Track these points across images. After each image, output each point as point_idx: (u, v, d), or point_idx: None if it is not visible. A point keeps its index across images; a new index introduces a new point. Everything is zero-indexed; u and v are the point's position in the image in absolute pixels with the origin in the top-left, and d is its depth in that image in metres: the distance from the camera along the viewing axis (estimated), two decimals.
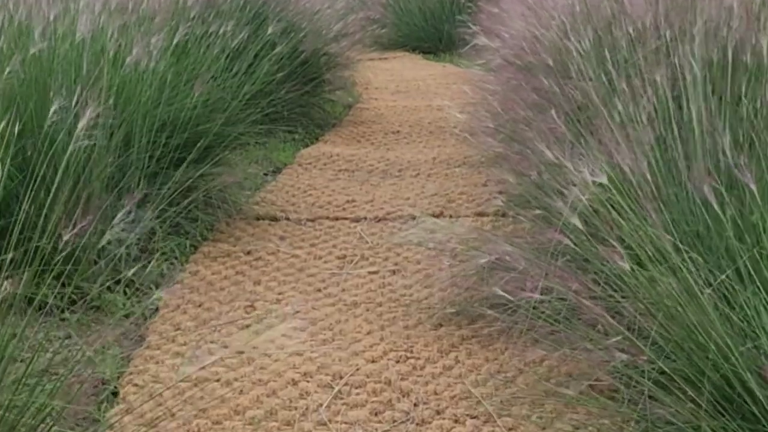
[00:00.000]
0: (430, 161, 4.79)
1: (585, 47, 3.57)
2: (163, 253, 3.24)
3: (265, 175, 4.64)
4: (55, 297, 2.32)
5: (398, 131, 5.63)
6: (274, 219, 3.75)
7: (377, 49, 11.08)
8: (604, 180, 2.00)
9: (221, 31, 3.64)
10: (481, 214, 3.79)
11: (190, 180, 3.35)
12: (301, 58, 5.34)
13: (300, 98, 5.44)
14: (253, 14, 4.97)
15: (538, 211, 2.90)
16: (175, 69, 3.39)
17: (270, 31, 3.99)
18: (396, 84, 7.64)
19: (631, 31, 3.30)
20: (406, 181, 4.43)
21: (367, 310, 2.84)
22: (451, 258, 2.90)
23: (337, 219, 3.76)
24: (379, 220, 3.75)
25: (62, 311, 2.62)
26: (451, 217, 3.77)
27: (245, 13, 4.73)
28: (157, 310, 2.86)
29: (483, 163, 4.66)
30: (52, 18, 3.16)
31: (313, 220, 3.75)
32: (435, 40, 10.48)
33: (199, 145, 3.45)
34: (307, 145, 5.23)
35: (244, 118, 3.97)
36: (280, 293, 2.99)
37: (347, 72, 6.14)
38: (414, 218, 3.76)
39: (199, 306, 2.87)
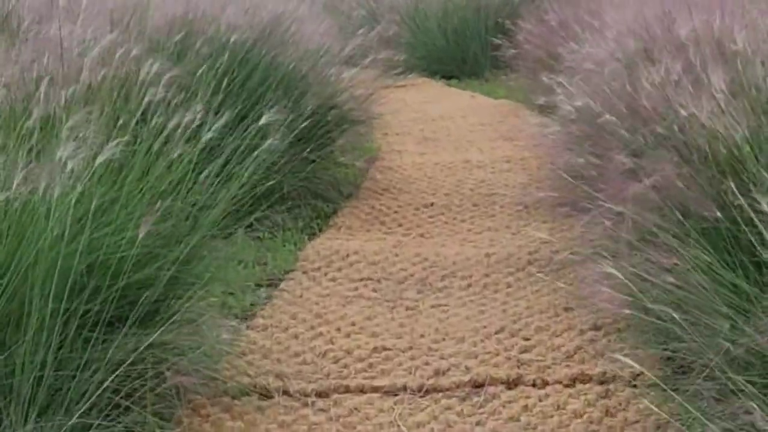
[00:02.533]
0: (483, 259, 3.50)
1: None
2: None
3: (258, 288, 3.37)
4: None
5: (432, 203, 4.35)
6: (266, 395, 2.47)
7: (390, 74, 9.83)
8: None
9: (187, 121, 2.36)
10: (582, 380, 2.49)
11: (132, 354, 2.10)
12: (305, 117, 4.07)
13: (304, 166, 4.18)
14: (236, 77, 3.71)
15: None
16: (106, 193, 2.11)
17: (264, 120, 2.70)
18: (420, 126, 6.36)
19: None
20: (454, 300, 3.15)
21: None
22: None
23: (362, 391, 2.48)
24: (426, 392, 2.46)
25: None
26: (534, 385, 2.47)
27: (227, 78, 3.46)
28: None
29: (559, 264, 3.38)
30: None
31: (325, 395, 2.47)
32: (458, 62, 9.19)
33: (143, 299, 2.19)
34: (314, 234, 3.95)
35: (222, 230, 2.70)
36: None
37: (363, 127, 4.86)
38: (477, 387, 2.47)
39: None
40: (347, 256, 3.57)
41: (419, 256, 3.56)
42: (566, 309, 2.97)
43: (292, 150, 4.04)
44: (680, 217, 2.29)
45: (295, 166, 4.07)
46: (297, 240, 3.84)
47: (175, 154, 2.27)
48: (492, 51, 9.02)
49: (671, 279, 2.07)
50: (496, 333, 2.81)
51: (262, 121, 2.64)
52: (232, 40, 3.79)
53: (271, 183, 3.54)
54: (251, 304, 3.20)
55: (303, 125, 4.08)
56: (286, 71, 3.99)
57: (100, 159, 1.89)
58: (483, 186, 4.58)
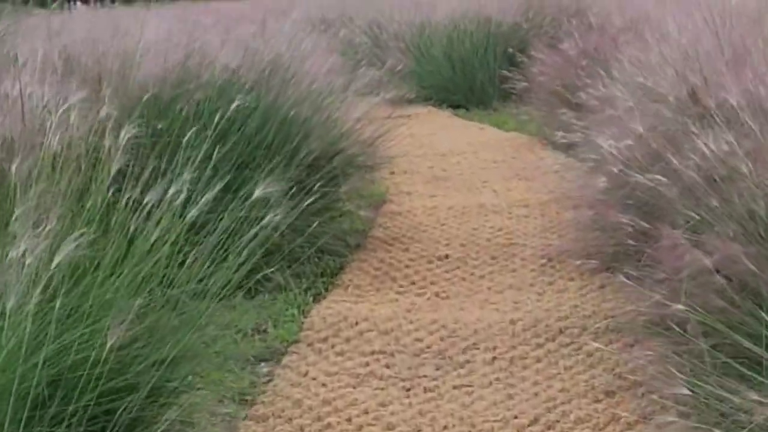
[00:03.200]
0: (508, 327, 3.15)
1: None
2: None
3: (258, 363, 3.02)
4: None
5: (447, 256, 4.00)
6: None
7: (395, 103, 9.49)
8: None
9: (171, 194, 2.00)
10: None
11: None
12: (306, 164, 3.74)
13: (306, 218, 3.83)
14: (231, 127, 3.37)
15: None
16: (71, 291, 1.76)
17: (258, 193, 2.34)
18: (429, 162, 6.03)
19: None
20: (478, 379, 2.79)
21: None
22: None
23: None
24: None
25: None
26: None
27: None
28: None
29: (593, 334, 3.03)
30: None
31: None
32: (465, 91, 8.87)
33: (121, 410, 1.84)
34: (320, 294, 3.60)
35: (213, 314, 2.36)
36: None
37: (371, 173, 4.51)
38: None
39: None
40: (356, 323, 3.22)
41: (436, 323, 3.21)
42: (608, 393, 2.62)
43: (294, 201, 3.70)
44: (754, 305, 1.95)
45: (296, 219, 3.73)
46: (301, 302, 3.49)
47: (154, 236, 1.92)
48: (500, 81, 8.73)
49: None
50: (530, 425, 2.46)
51: (257, 193, 2.29)
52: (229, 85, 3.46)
53: (270, 243, 3.22)
54: (251, 384, 2.85)
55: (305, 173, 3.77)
56: (286, 115, 3.66)
57: (59, 257, 1.54)
58: (500, 235, 4.23)
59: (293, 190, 3.71)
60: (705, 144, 2.29)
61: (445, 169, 5.77)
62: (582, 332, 3.06)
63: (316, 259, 3.86)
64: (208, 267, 2.06)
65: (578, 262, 3.71)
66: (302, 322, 3.28)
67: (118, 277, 1.86)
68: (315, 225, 3.85)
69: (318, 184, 3.82)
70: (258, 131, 3.60)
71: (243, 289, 3.13)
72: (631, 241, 3.03)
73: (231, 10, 16.36)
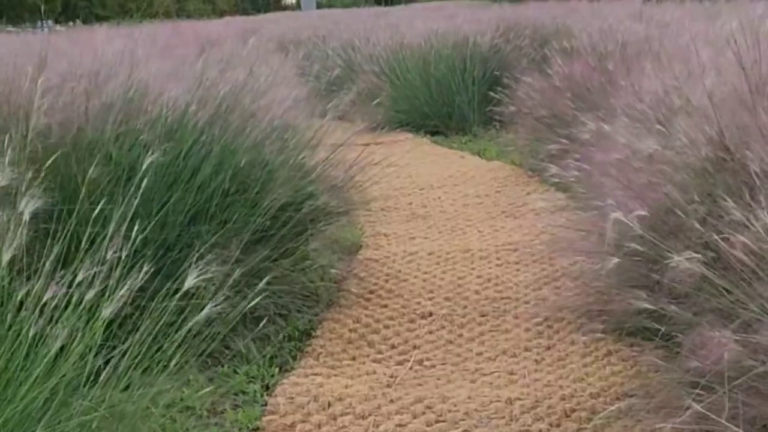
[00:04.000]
0: (505, 408, 2.70)
1: None
2: None
3: None
4: None
5: (431, 313, 3.55)
6: None
7: (370, 129, 9.05)
8: None
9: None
10: None
11: None
12: (269, 215, 3.28)
13: (271, 272, 3.38)
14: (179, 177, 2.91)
15: None
16: None
17: (190, 283, 1.88)
18: (408, 197, 5.60)
19: None
20: None
21: None
22: None
23: None
24: None
25: None
26: None
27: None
28: None
29: (604, 419, 2.59)
30: None
31: None
32: (444, 116, 8.47)
33: None
34: (286, 363, 3.13)
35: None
36: None
37: (346, 216, 4.06)
38: None
39: None
40: (328, 405, 2.75)
41: (421, 403, 2.75)
42: None
43: (255, 255, 3.25)
44: None
45: (258, 274, 3.27)
46: (265, 374, 3.02)
47: (56, 347, 1.46)
48: (480, 105, 8.34)
49: None
50: None
51: (187, 284, 1.83)
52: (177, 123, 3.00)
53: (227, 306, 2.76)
54: None
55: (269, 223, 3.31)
56: (247, 159, 3.20)
57: None
58: (490, 286, 3.79)
59: (256, 244, 3.27)
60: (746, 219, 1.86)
61: (425, 205, 5.34)
62: (591, 415, 2.62)
63: (283, 320, 3.40)
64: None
65: (579, 322, 3.29)
66: (265, 402, 2.82)
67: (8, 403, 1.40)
68: (281, 280, 3.42)
69: (284, 234, 3.38)
70: (212, 179, 3.14)
71: (198, 357, 2.70)
72: (646, 305, 2.61)
73: (203, 30, 15.92)
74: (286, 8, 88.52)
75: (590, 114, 4.89)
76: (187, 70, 3.67)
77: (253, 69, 3.98)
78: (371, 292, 3.80)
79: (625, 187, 2.79)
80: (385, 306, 3.64)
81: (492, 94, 8.40)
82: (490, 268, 4.02)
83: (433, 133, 8.39)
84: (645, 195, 2.59)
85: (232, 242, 3.19)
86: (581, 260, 3.51)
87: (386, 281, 3.92)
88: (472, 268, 4.04)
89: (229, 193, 3.19)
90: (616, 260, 2.55)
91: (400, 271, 4.05)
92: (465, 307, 3.59)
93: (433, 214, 5.10)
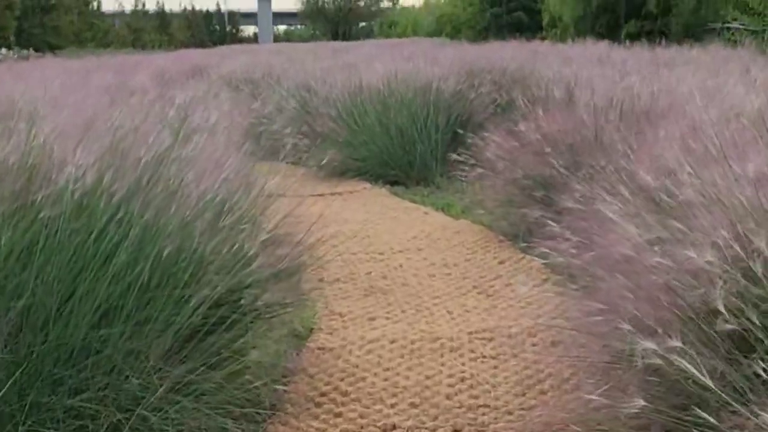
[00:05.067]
0: None
1: None
2: None
3: None
4: None
5: (394, 426, 2.94)
6: None
7: (326, 176, 8.47)
8: None
9: None
10: None
11: None
12: (198, 315, 2.65)
13: (200, 374, 2.74)
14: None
15: None
16: None
17: None
18: (367, 265, 5.00)
19: None
20: None
21: None
22: None
23: None
24: None
25: None
26: None
27: None
28: None
29: None
30: None
31: None
32: (404, 165, 7.91)
33: None
34: None
35: None
36: None
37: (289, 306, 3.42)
38: None
39: None
40: None
41: None
42: None
43: (183, 364, 2.62)
44: None
45: (184, 389, 2.65)
46: None
47: None
48: (444, 155, 7.82)
49: None
50: None
51: None
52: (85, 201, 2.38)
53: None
54: None
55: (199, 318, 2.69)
56: (173, 243, 2.58)
57: None
58: (464, 389, 3.20)
59: (183, 345, 2.65)
60: None
61: (385, 275, 4.75)
62: None
63: None
64: None
65: None
66: None
67: None
68: (209, 378, 2.79)
69: (218, 337, 2.76)
70: (130, 266, 2.52)
71: None
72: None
73: (151, 66, 15.26)
74: (242, 40, 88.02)
75: (574, 177, 4.38)
76: (108, 124, 3.06)
77: (186, 123, 3.40)
78: (323, 394, 3.19)
79: (640, 298, 2.22)
80: (339, 415, 3.02)
81: (456, 144, 7.95)
82: (463, 363, 3.43)
83: (394, 183, 7.83)
84: (670, 318, 2.03)
85: (153, 347, 2.57)
86: (577, 365, 2.95)
87: (341, 379, 3.31)
88: (442, 363, 3.45)
89: (151, 287, 2.57)
90: (641, 403, 1.98)
91: (357, 366, 3.44)
92: (435, 417, 2.99)
93: (395, 287, 4.51)
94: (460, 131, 8.09)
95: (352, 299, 4.33)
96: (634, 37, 16.96)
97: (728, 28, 20.61)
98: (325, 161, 8.26)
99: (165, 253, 2.50)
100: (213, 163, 3.06)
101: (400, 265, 4.94)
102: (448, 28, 41.43)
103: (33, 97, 4.00)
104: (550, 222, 4.47)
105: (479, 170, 5.71)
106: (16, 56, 44.66)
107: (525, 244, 4.88)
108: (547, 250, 3.44)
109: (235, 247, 2.77)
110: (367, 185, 7.74)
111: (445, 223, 6.09)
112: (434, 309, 4.14)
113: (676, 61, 9.34)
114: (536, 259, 4.77)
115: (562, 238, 3.59)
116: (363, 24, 73.73)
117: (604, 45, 12.92)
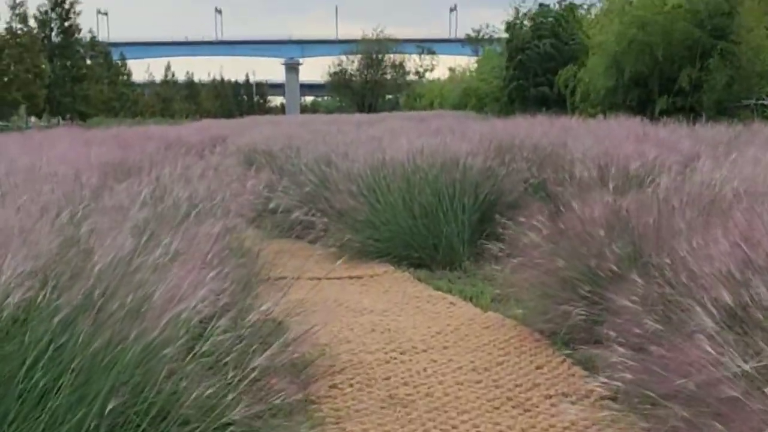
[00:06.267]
0: None
1: None
2: None
3: None
4: None
5: None
6: None
7: (345, 257, 7.88)
8: None
9: None
10: None
11: None
12: None
13: None
14: None
15: None
16: None
17: None
18: (386, 367, 4.40)
19: None
20: None
21: None
22: None
23: None
24: None
25: None
26: None
27: None
28: None
29: None
30: None
31: None
32: (429, 248, 7.33)
33: None
34: None
35: None
36: None
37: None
38: None
39: None
40: None
41: None
42: None
43: None
44: None
45: None
46: None
47: None
48: (474, 235, 7.26)
49: None
50: None
51: None
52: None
53: None
54: None
55: None
56: (127, 383, 2.00)
57: None
58: None
59: None
60: None
61: (406, 382, 4.13)
62: None
63: None
64: None
65: None
66: None
67: None
68: None
69: None
70: (69, 414, 1.94)
71: None
72: None
73: (170, 135, 14.94)
74: (270, 111, 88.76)
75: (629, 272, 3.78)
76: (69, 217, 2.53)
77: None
78: None
79: None
80: None
81: (485, 225, 7.38)
82: None
83: (417, 266, 7.25)
84: None
85: None
86: None
87: None
88: None
89: None
90: None
91: None
92: None
93: (417, 399, 3.89)
94: (490, 211, 7.56)
95: (368, 414, 3.71)
96: (665, 113, 16.49)
97: (763, 104, 20.05)
98: (343, 241, 7.72)
99: (118, 393, 1.92)
100: (197, 262, 2.50)
101: (424, 369, 4.32)
102: (473, 100, 41.34)
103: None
104: (597, 322, 3.87)
105: (511, 257, 5.11)
106: (43, 124, 45.06)
107: (567, 349, 4.27)
108: (593, 358, 2.84)
109: (213, 388, 2.18)
110: (389, 268, 7.16)
111: (474, 315, 5.48)
112: (462, 428, 3.51)
113: (719, 139, 8.80)
114: (579, 367, 4.17)
115: (613, 345, 3.00)
116: (389, 96, 74.17)
117: (637, 121, 12.41)
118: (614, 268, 4.00)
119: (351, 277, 6.95)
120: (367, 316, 5.52)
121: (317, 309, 5.73)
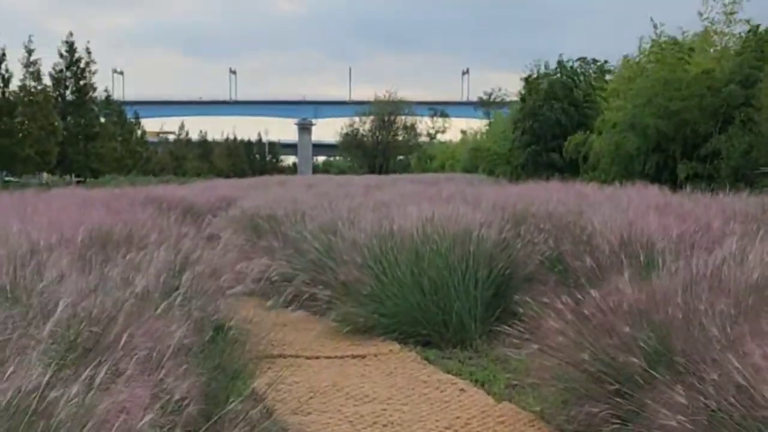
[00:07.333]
0: None
1: None
2: None
3: None
4: None
5: None
6: None
7: (348, 333, 7.39)
8: None
9: None
10: None
11: None
12: None
13: None
14: None
15: None
16: None
17: None
18: None
19: None
20: None
21: None
22: None
23: None
24: None
25: None
26: None
27: None
28: None
29: None
30: None
31: None
32: (438, 324, 6.84)
33: None
34: None
35: None
36: None
37: None
38: None
39: None
40: None
41: None
42: None
43: None
44: None
45: None
46: None
47: None
48: (486, 312, 6.79)
49: None
50: None
51: None
52: None
53: None
54: None
55: None
56: None
57: None
58: None
59: None
60: None
61: None
62: None
63: None
64: None
65: None
66: None
67: None
68: None
69: None
70: None
71: None
72: None
73: (174, 196, 14.57)
74: (282, 170, 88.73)
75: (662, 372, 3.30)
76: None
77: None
78: None
79: None
80: None
81: (498, 301, 6.92)
82: None
83: (425, 344, 6.76)
84: None
85: None
86: None
87: None
88: None
89: None
90: None
91: None
92: None
93: None
94: (504, 286, 7.10)
95: None
96: (686, 180, 16.04)
97: None
98: (347, 315, 7.25)
99: None
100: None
101: None
102: (484, 163, 41.01)
103: None
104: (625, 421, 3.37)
105: (528, 341, 4.63)
106: (53, 181, 45.00)
107: None
108: None
109: None
110: (395, 347, 6.67)
111: (486, 406, 4.97)
112: None
113: (747, 210, 8.33)
114: None
115: None
116: (401, 157, 74.21)
117: (655, 190, 11.96)
118: (644, 365, 3.52)
119: (354, 356, 6.47)
120: (369, 406, 5.03)
121: (313, 395, 5.26)
